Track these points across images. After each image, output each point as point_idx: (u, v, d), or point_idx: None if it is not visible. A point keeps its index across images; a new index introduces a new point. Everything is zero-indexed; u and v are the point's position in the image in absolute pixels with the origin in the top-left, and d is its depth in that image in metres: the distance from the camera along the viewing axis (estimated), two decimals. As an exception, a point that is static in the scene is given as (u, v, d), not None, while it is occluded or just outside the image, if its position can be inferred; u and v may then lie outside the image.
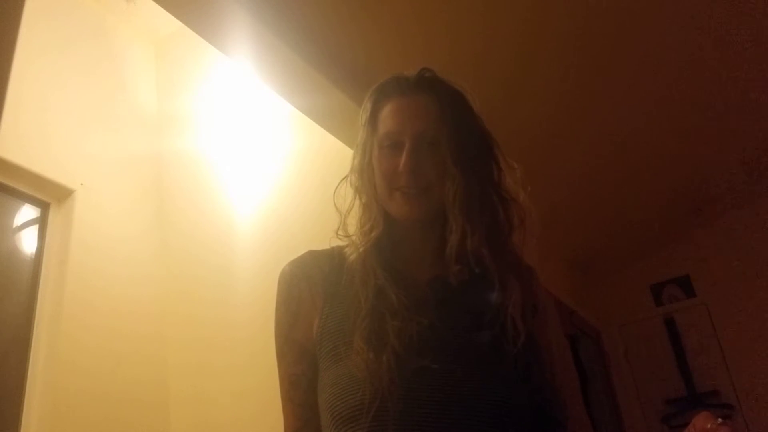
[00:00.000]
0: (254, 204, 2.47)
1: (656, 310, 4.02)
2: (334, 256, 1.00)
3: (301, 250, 1.05)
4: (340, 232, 1.00)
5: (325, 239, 1.04)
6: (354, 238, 0.98)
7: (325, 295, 0.96)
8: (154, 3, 1.75)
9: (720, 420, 0.72)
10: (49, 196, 2.40)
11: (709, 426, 0.73)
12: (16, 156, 2.24)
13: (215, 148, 2.68)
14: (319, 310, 0.95)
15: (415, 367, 0.83)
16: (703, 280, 3.91)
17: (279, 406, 0.97)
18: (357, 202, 1.00)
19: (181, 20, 1.86)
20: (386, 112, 0.99)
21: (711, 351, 3.75)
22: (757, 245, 3.71)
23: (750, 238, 3.74)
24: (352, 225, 0.99)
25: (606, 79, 2.61)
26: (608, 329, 4.13)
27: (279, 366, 0.97)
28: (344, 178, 1.03)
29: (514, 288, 0.91)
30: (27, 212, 2.37)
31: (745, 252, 3.75)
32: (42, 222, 2.37)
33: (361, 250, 0.95)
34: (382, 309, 0.88)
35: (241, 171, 2.57)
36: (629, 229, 3.78)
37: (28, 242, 2.32)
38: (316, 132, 2.24)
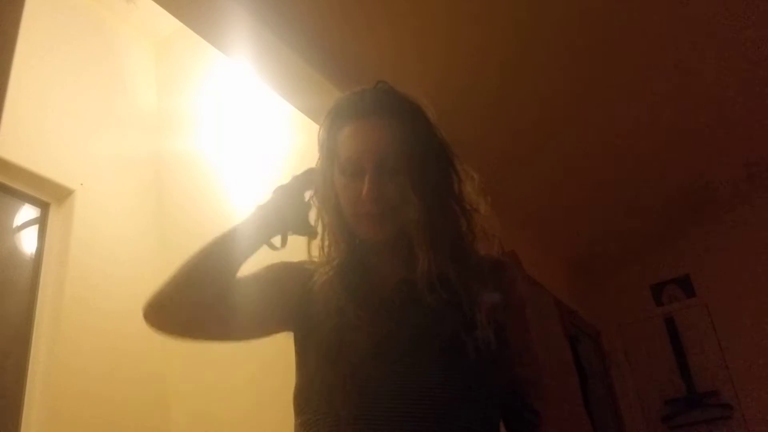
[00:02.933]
0: (254, 204, 2.47)
1: (656, 310, 4.02)
2: (304, 269, 1.03)
3: (300, 251, 1.05)
4: (306, 258, 1.02)
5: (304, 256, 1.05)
6: (321, 260, 1.01)
7: (301, 292, 1.01)
8: (154, 3, 1.76)
9: None
10: (49, 196, 2.40)
11: None
12: (16, 156, 2.24)
13: (215, 148, 2.67)
14: (297, 303, 1.00)
15: (369, 372, 0.87)
16: (703, 279, 3.91)
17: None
18: (320, 224, 1.03)
19: (181, 20, 1.86)
20: (345, 135, 0.99)
21: (711, 351, 3.75)
22: (758, 245, 3.70)
23: (750, 237, 3.74)
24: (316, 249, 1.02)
25: (606, 78, 2.61)
26: (608, 329, 4.13)
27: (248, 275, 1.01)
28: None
29: (479, 292, 0.92)
30: (27, 212, 2.36)
31: (745, 252, 3.75)
32: (42, 222, 2.37)
33: (327, 274, 0.98)
34: (342, 328, 0.91)
35: (241, 171, 2.57)
36: (629, 228, 3.78)
37: (28, 242, 2.32)
38: (315, 132, 2.23)
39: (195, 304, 0.94)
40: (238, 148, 2.62)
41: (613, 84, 2.64)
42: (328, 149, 1.01)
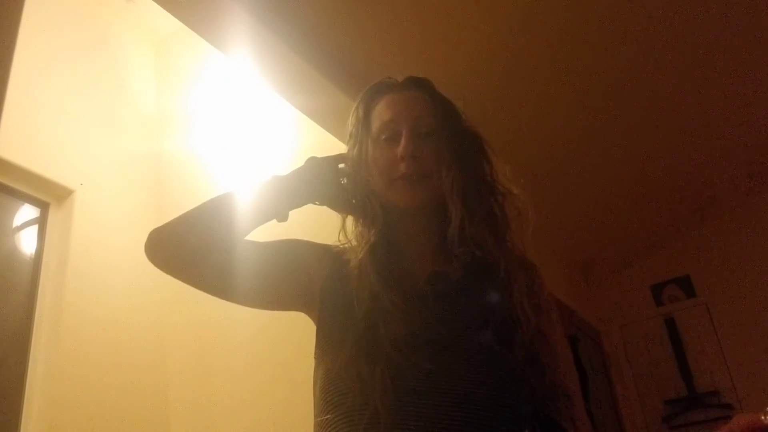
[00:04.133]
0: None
1: (656, 310, 4.02)
2: (331, 251, 1.01)
3: (307, 230, 1.07)
4: (340, 237, 0.99)
5: (325, 240, 1.04)
6: (353, 241, 0.98)
7: (328, 276, 0.98)
8: (154, 3, 1.75)
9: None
10: (49, 196, 2.40)
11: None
12: (16, 156, 2.24)
13: (215, 148, 2.67)
14: (322, 286, 0.97)
15: (409, 369, 0.84)
16: (703, 279, 3.90)
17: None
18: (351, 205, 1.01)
19: (181, 20, 1.86)
20: (380, 107, 1.00)
21: (711, 351, 3.75)
22: (758, 245, 3.70)
23: (750, 237, 3.74)
24: (350, 229, 1.00)
25: (603, 76, 2.60)
26: (608, 329, 4.12)
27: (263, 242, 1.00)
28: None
29: (522, 280, 0.91)
30: (27, 212, 2.36)
31: (745, 251, 3.75)
32: (42, 222, 2.37)
33: (360, 255, 0.94)
34: (376, 314, 0.88)
35: (241, 171, 2.57)
36: (629, 229, 3.77)
37: (27, 242, 2.32)
38: (316, 132, 2.23)
39: (195, 245, 0.94)
40: (238, 147, 2.62)
41: (612, 83, 2.64)
42: (363, 127, 1.00)
